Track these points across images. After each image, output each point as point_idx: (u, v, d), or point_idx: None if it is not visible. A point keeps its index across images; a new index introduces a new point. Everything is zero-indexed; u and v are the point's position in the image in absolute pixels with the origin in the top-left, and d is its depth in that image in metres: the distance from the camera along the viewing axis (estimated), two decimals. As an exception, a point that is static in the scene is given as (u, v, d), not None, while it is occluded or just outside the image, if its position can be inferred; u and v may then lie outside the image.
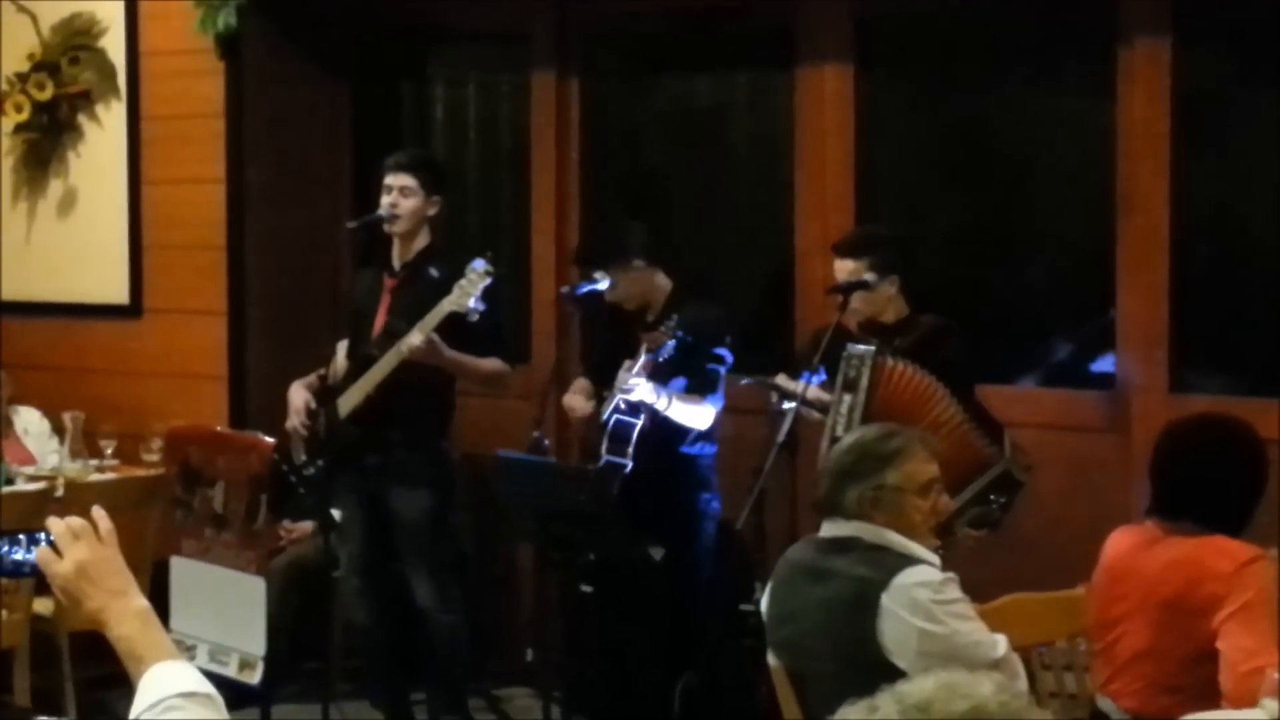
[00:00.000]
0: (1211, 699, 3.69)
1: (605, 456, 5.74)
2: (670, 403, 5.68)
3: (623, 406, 5.72)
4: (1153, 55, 5.79)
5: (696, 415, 5.76)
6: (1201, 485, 3.94)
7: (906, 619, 3.74)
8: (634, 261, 5.94)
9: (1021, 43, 6.32)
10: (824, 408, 5.38)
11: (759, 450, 5.30)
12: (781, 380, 5.55)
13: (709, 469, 5.93)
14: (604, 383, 5.95)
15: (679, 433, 5.79)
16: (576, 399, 6.07)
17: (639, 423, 5.71)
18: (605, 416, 5.77)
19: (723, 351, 5.79)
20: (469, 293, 5.65)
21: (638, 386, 5.61)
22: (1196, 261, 5.88)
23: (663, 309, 5.90)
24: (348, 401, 5.90)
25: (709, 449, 5.92)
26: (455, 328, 5.74)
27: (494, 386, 6.17)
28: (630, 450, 5.70)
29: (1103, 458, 5.89)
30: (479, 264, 5.68)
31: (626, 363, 5.72)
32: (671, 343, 5.52)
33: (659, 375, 5.65)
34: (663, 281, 6.01)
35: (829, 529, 3.98)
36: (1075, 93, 6.29)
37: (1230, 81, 6.05)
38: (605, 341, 6.17)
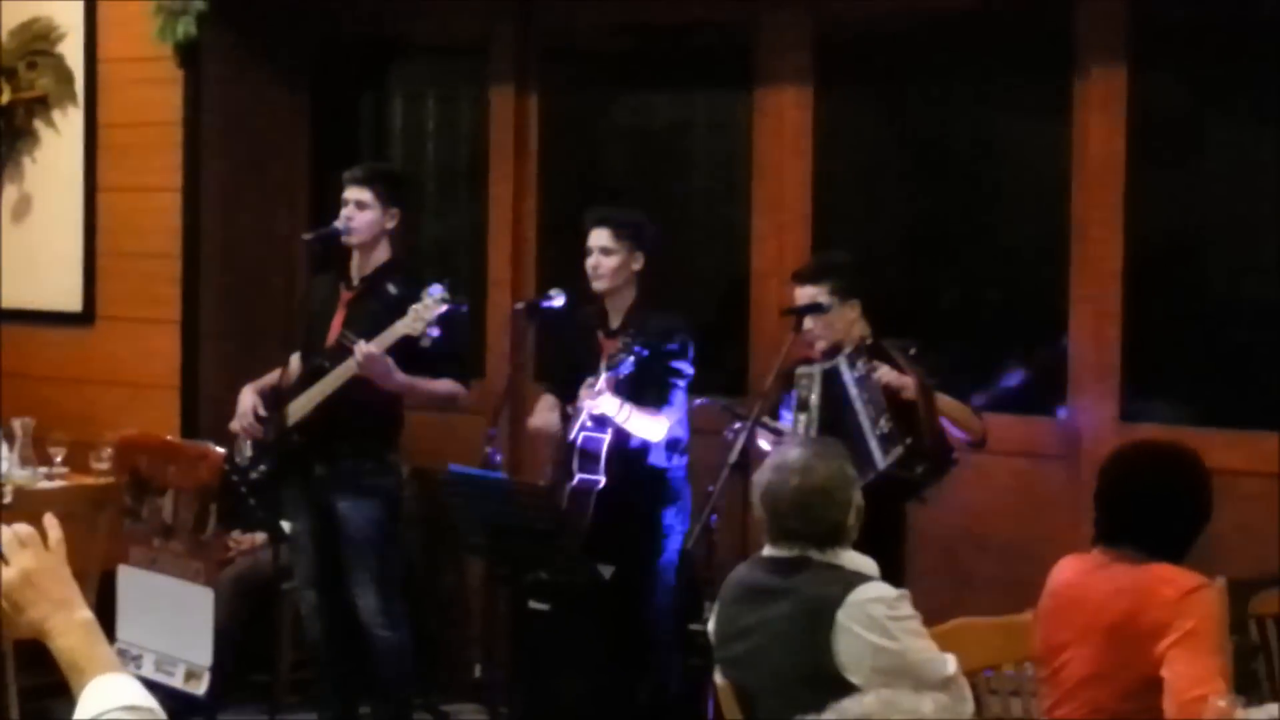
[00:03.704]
0: (1156, 726, 3.71)
1: (578, 475, 5.71)
2: (629, 415, 5.67)
3: (589, 423, 5.70)
4: (1109, 82, 5.81)
5: (651, 427, 5.74)
6: (1144, 511, 3.93)
7: (862, 635, 3.77)
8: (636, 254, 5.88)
9: (981, 65, 6.33)
10: (777, 432, 5.40)
11: (712, 471, 5.29)
12: (767, 421, 5.51)
13: (680, 483, 5.90)
14: (569, 396, 5.93)
15: (644, 446, 5.78)
16: (548, 417, 6.00)
17: (606, 437, 5.69)
18: (573, 434, 5.75)
19: (681, 365, 5.77)
20: (423, 318, 5.61)
21: (601, 400, 5.60)
22: (1149, 290, 5.89)
23: (625, 316, 5.89)
24: (296, 410, 5.85)
25: (679, 462, 5.88)
26: (408, 350, 5.71)
27: (447, 407, 6.12)
28: (601, 467, 5.69)
29: (1053, 484, 5.89)
30: (436, 290, 5.63)
31: (589, 379, 5.70)
32: (630, 359, 5.51)
33: (620, 390, 5.64)
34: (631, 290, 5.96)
35: (775, 550, 3.99)
36: (1034, 116, 6.31)
37: (1187, 110, 6.07)
38: (567, 353, 6.15)
